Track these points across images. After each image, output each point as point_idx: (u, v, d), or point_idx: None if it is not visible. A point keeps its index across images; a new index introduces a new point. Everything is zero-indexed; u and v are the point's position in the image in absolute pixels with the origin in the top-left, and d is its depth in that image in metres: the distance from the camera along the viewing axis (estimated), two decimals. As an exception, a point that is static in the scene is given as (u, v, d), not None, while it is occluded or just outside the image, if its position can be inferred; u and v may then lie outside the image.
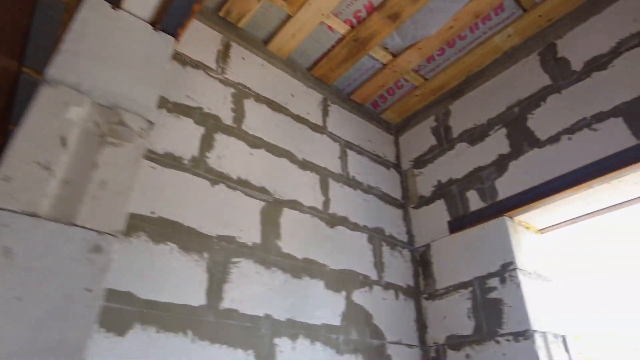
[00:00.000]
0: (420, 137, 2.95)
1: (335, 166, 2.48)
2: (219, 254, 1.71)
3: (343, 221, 2.32)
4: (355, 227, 2.37)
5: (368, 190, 2.60)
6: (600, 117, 2.04)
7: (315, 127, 2.51)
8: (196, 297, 1.57)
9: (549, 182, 2.12)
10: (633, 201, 2.17)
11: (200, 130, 1.93)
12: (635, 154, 1.86)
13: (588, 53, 2.20)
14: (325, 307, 1.96)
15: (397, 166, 2.96)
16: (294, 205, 2.11)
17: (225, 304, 1.64)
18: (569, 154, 2.10)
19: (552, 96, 2.27)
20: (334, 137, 2.59)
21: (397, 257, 2.52)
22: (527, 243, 2.30)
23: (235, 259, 1.75)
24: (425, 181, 2.78)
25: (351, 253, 2.25)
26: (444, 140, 2.77)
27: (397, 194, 2.82)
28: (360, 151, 2.73)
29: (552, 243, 2.53)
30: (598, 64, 2.13)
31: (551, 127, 2.21)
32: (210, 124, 1.98)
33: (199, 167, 1.83)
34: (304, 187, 2.22)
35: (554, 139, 2.18)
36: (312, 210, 2.18)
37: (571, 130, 2.13)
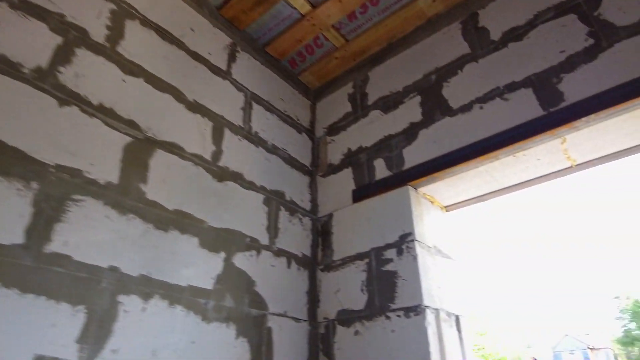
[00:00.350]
0: (337, 104, 2.75)
1: (235, 117, 2.19)
2: (55, 187, 1.37)
3: (236, 177, 2.04)
4: (250, 185, 2.10)
5: (272, 150, 2.35)
6: (512, 87, 1.95)
7: (216, 70, 2.20)
8: (10, 233, 1.22)
9: (455, 151, 2.00)
10: (537, 180, 2.11)
11: (57, 40, 1.56)
12: (541, 125, 1.78)
13: (507, 24, 2.11)
14: (195, 267, 1.68)
15: (310, 132, 2.74)
16: (173, 148, 1.80)
17: (54, 247, 1.30)
18: (479, 124, 1.99)
19: (469, 65, 2.16)
20: (238, 86, 2.31)
21: (296, 224, 2.29)
22: (431, 217, 2.18)
23: (78, 197, 1.41)
24: (336, 149, 2.58)
25: (240, 212, 1.98)
26: (359, 108, 2.59)
27: (306, 160, 2.60)
28: (270, 108, 2.47)
29: (457, 222, 2.45)
30: (515, 34, 2.05)
31: (465, 95, 2.10)
32: (73, 36, 1.61)
33: (45, 81, 1.46)
34: (189, 131, 1.91)
35: (466, 108, 2.07)
36: (196, 159, 1.88)
37: (483, 99, 2.02)
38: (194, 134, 1.93)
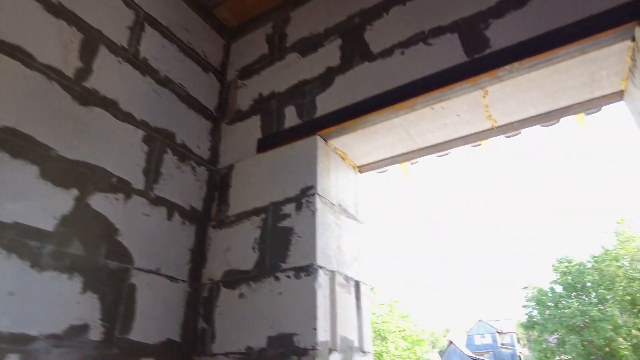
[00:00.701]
0: (253, 46, 2.42)
1: (118, 35, 1.80)
2: None
3: (107, 104, 1.67)
4: (126, 117, 1.74)
5: (165, 83, 1.99)
6: (437, 31, 1.75)
7: (96, -25, 1.79)
8: None
9: (369, 99, 1.78)
10: (456, 142, 1.95)
11: None
12: (462, 72, 1.59)
13: (441, -34, 1.90)
14: (30, 201, 1.32)
15: (220, 74, 2.40)
16: (15, 52, 1.40)
17: None
18: (398, 70, 1.77)
19: (396, 7, 1.93)
20: (128, 2, 1.91)
21: (187, 172, 1.97)
22: (340, 174, 1.95)
23: None
24: (247, 94, 2.27)
25: (108, 146, 1.63)
26: (277, 50, 2.29)
27: (210, 103, 2.26)
28: (169, 35, 2.09)
29: (372, 185, 2.26)
30: (448, -23, 1.84)
31: (387, 40, 1.87)
32: None
33: None
34: (46, 38, 1.51)
35: (387, 53, 1.84)
36: (51, 72, 1.49)
37: (406, 44, 1.81)
38: (53, 43, 1.53)
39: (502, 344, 45.95)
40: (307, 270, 1.58)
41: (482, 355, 44.27)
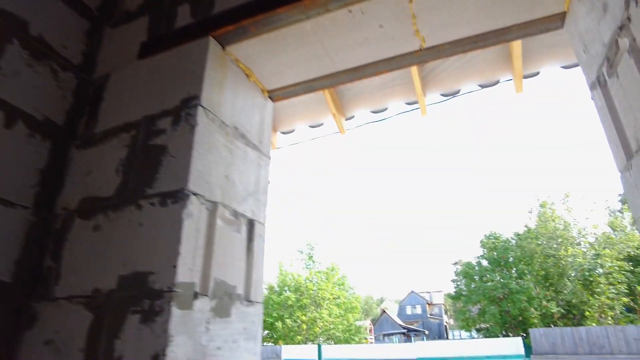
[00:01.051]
0: (153, -63, 1.97)
1: None
2: None
3: None
4: (-56, -17, 1.28)
5: (17, -45, 1.52)
6: None
7: None
8: None
9: (278, -7, 1.44)
10: (380, 65, 1.68)
11: None
12: (385, -38, 1.29)
13: None
14: None
15: (107, -32, 1.94)
16: None
17: None
18: (314, -38, 1.44)
19: None
20: None
21: (44, 75, 1.54)
22: (241, 93, 1.62)
23: None
24: (137, -8, 1.84)
25: None
26: (178, -59, 1.86)
27: (91, 0, 1.81)
28: None
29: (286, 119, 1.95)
30: None
31: None
32: None
33: None
34: None
35: (303, -57, 1.50)
36: None
37: None
38: None
39: (431, 315, 48.82)
40: (175, 196, 1.25)
41: (413, 324, 46.83)
